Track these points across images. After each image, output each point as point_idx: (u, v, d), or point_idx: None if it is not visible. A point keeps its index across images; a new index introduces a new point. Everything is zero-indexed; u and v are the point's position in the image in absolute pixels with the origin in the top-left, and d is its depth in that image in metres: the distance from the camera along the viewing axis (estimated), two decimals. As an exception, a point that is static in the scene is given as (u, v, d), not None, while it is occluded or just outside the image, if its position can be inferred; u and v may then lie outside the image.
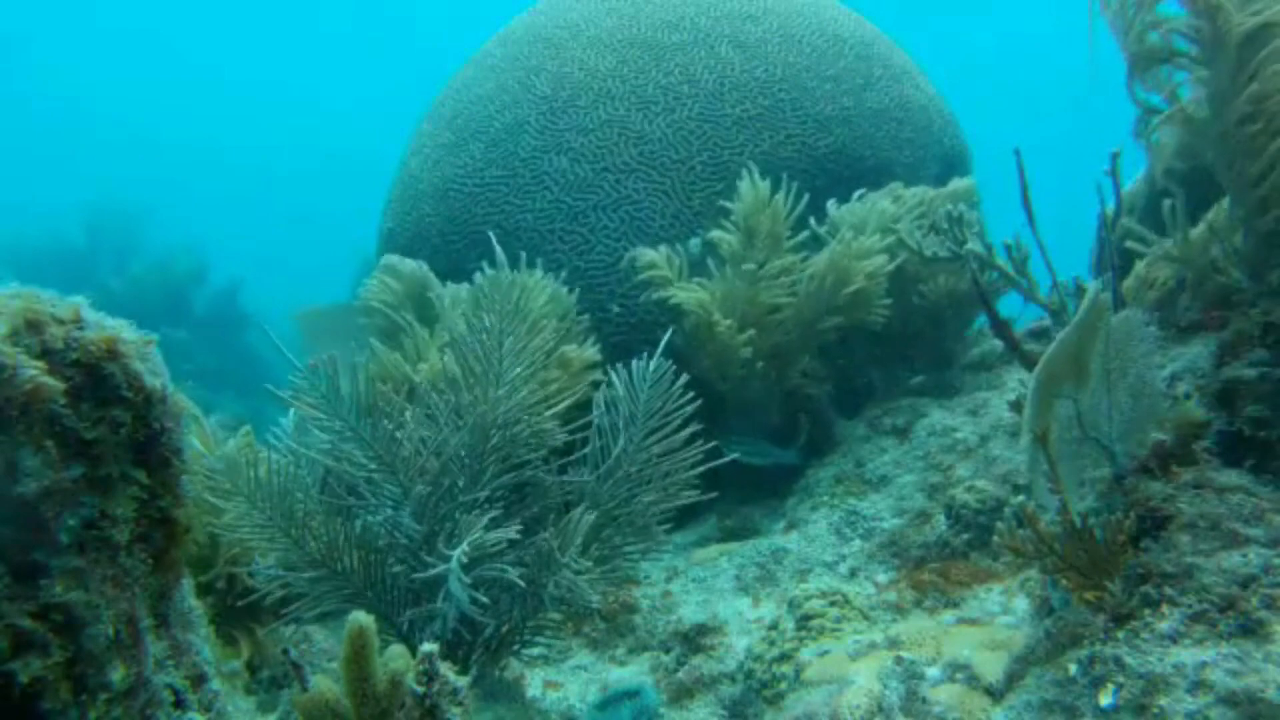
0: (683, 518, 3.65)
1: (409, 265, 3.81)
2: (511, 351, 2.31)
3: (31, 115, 28.73)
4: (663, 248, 3.74)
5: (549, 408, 2.43)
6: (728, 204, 3.74)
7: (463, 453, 2.28)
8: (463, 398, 2.31)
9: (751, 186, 3.63)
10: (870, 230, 3.68)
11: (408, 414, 2.31)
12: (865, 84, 4.45)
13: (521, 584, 2.12)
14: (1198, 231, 2.33)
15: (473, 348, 2.31)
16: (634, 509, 2.33)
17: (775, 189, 3.65)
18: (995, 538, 1.72)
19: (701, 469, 2.33)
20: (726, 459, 2.43)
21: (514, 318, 2.31)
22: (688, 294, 3.57)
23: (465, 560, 2.01)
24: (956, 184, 4.03)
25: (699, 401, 2.33)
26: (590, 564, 2.22)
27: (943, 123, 4.74)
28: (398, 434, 2.25)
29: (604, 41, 4.44)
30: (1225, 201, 2.26)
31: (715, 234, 3.70)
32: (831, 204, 3.91)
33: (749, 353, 3.53)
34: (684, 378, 2.32)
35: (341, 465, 2.26)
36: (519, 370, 2.32)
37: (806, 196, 3.70)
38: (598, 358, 3.43)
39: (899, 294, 3.82)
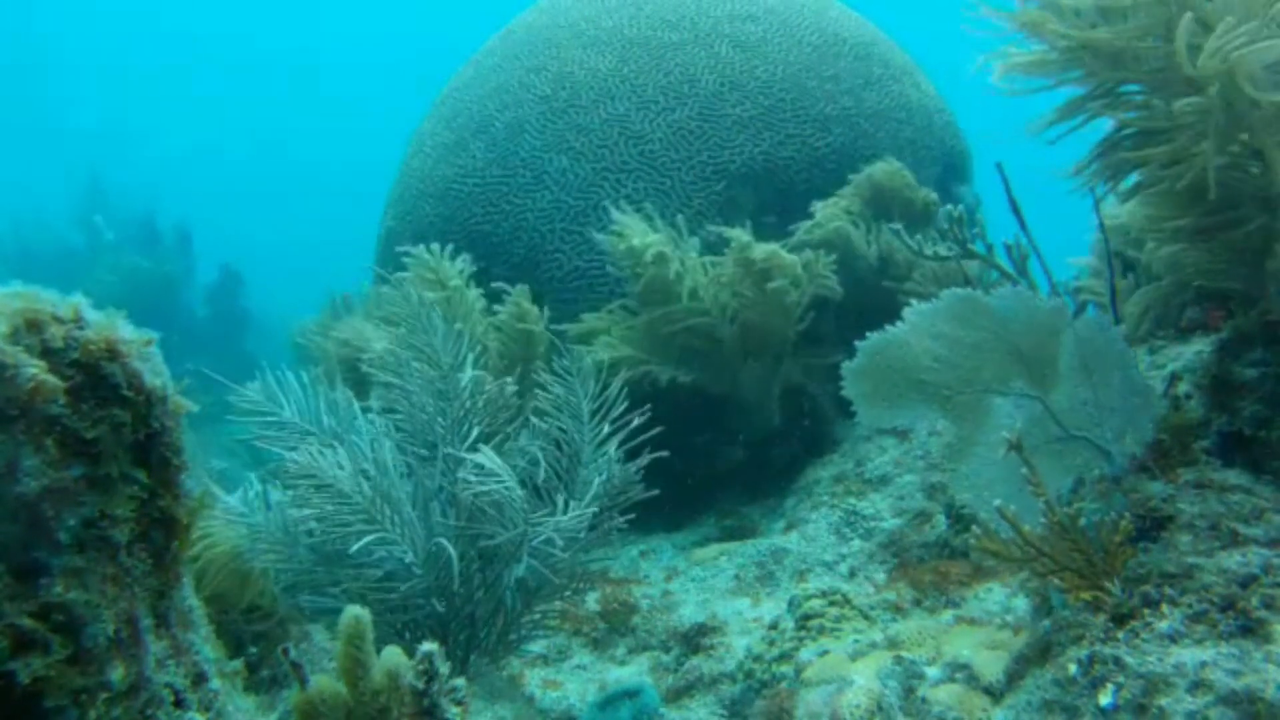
0: (683, 517, 3.66)
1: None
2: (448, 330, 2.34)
3: (29, 110, 28.72)
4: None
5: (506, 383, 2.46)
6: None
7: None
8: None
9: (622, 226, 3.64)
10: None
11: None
12: (865, 84, 4.45)
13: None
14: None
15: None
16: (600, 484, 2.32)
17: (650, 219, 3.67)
18: (971, 541, 1.71)
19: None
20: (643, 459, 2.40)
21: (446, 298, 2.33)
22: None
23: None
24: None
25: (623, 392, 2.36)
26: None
27: (943, 123, 4.74)
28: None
29: (604, 41, 4.44)
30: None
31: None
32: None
33: (667, 374, 3.54)
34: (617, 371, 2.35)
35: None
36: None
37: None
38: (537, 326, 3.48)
39: (893, 289, 3.82)
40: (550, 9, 4.86)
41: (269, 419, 2.26)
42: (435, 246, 3.62)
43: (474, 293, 3.60)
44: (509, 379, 2.45)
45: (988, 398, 1.88)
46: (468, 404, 2.33)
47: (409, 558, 2.11)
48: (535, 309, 3.59)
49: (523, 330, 3.48)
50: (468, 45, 5.29)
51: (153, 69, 33.02)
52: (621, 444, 2.33)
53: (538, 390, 2.41)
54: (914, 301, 1.95)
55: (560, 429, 2.35)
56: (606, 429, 2.32)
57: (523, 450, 2.36)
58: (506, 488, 2.10)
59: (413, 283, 3.46)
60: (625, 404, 2.34)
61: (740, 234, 3.55)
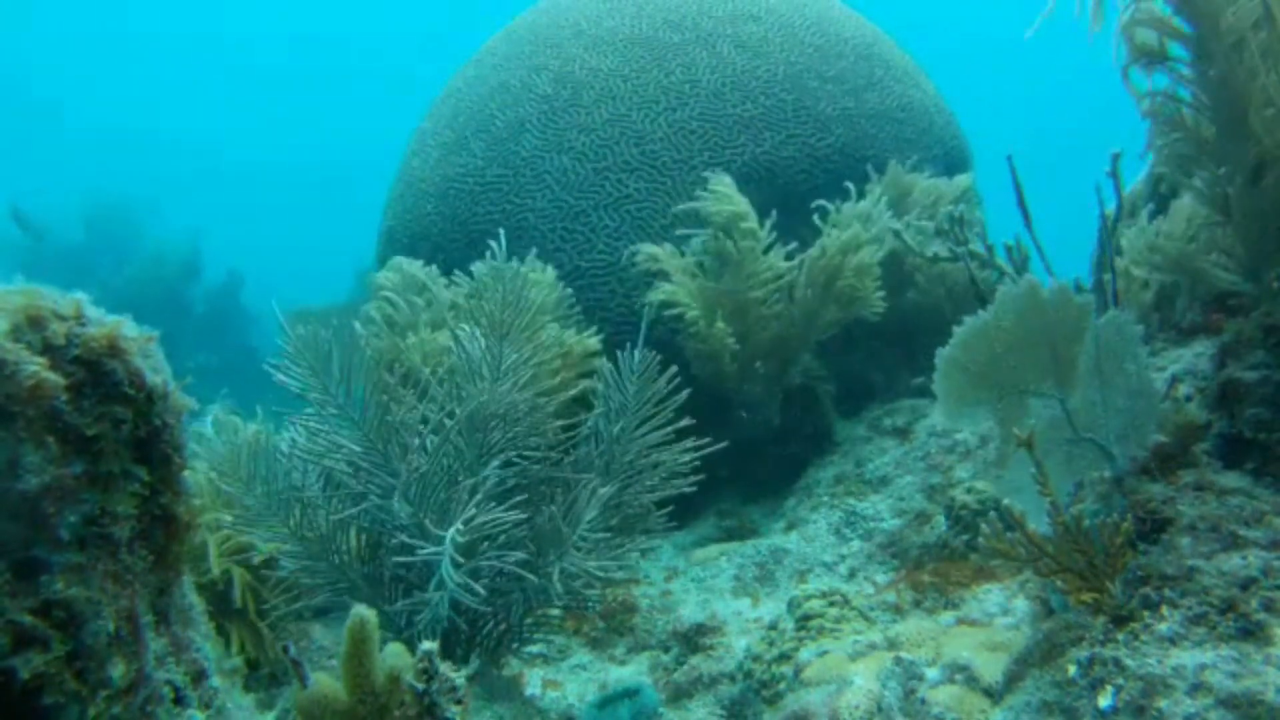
0: (683, 517, 3.65)
1: (414, 265, 3.83)
2: (513, 340, 2.33)
3: (28, 114, 28.71)
4: (667, 245, 3.74)
5: (549, 398, 2.45)
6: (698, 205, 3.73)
7: (460, 438, 2.28)
8: (463, 386, 2.32)
9: (718, 196, 3.63)
10: (858, 222, 3.71)
11: (399, 394, 2.33)
12: (866, 84, 4.45)
13: (520, 571, 2.12)
14: (1176, 228, 2.34)
15: (471, 336, 2.33)
16: (630, 497, 2.34)
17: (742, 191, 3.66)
18: (981, 540, 1.70)
19: (695, 456, 2.35)
20: (718, 446, 2.41)
21: (514, 307, 2.32)
22: (675, 287, 3.58)
23: (460, 539, 2.00)
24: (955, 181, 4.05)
25: (687, 391, 2.38)
26: (597, 540, 2.22)
27: (944, 123, 4.74)
28: (389, 413, 2.25)
29: (606, 41, 4.44)
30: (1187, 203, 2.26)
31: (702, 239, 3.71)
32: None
33: (734, 345, 3.53)
34: (673, 369, 2.36)
35: (329, 449, 2.25)
36: (516, 357, 2.33)
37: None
38: (598, 346, 3.43)
39: (897, 291, 3.82)
40: (552, 8, 4.86)
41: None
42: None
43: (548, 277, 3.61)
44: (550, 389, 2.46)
45: (1026, 399, 1.85)
46: (511, 413, 2.33)
47: (444, 567, 2.09)
48: (591, 338, 3.56)
49: (569, 350, 3.45)
50: (469, 44, 5.29)
51: (156, 70, 33.01)
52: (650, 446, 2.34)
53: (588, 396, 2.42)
54: (1007, 282, 1.85)
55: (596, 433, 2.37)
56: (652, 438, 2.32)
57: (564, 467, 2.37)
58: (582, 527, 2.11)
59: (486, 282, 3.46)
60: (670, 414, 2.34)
61: (850, 217, 3.61)
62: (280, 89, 34.50)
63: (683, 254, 3.71)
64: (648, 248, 3.72)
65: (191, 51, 34.06)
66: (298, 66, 34.81)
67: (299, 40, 34.94)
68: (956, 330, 1.83)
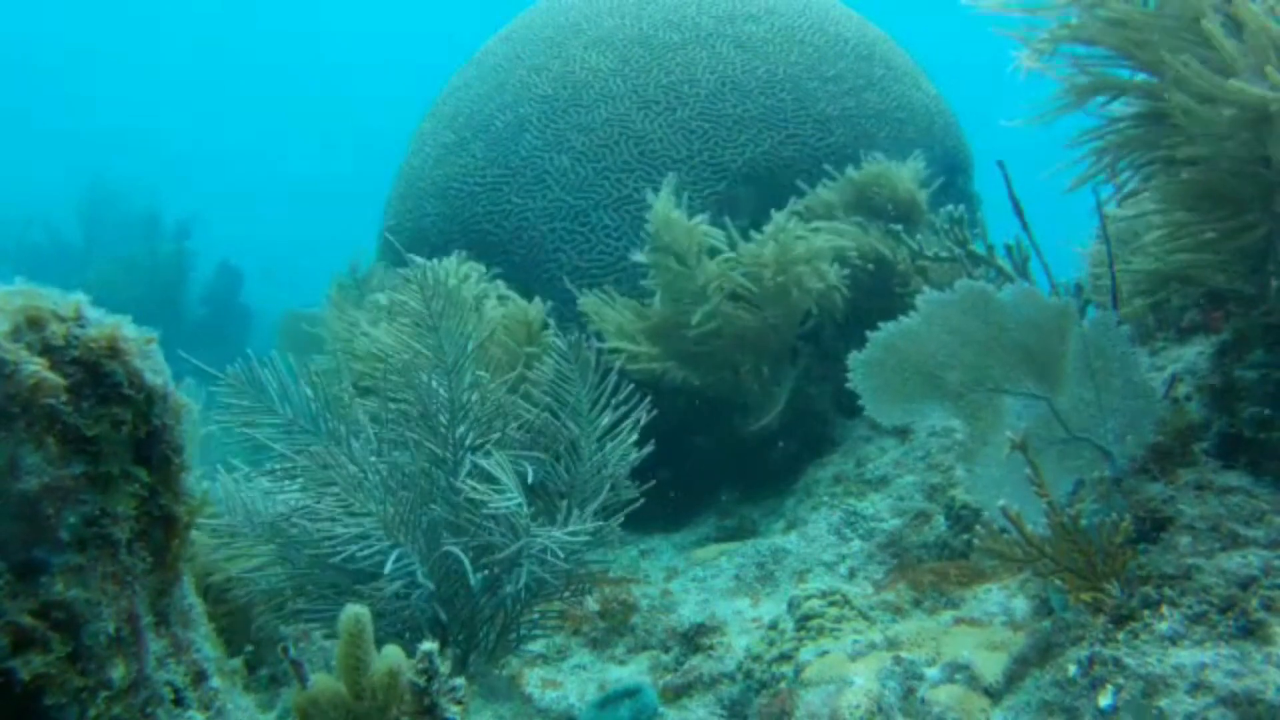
0: (683, 517, 3.66)
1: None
2: (451, 332, 2.30)
3: (28, 107, 28.70)
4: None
5: (506, 384, 2.46)
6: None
7: (421, 431, 2.29)
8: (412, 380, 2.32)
9: (658, 207, 3.59)
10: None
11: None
12: (867, 84, 4.45)
13: (457, 551, 2.10)
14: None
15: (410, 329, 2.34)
16: (601, 479, 2.33)
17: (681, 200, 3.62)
18: (975, 541, 1.70)
19: (639, 425, 2.34)
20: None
21: (446, 299, 2.30)
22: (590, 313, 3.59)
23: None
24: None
25: (619, 362, 2.40)
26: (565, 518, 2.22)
27: (944, 124, 4.74)
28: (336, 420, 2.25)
29: (606, 41, 4.44)
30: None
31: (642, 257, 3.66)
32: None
33: (658, 366, 3.53)
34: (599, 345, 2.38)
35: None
36: (469, 348, 2.32)
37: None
38: (544, 317, 3.46)
39: (891, 292, 3.81)
40: (551, 8, 4.86)
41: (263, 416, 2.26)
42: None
43: (472, 287, 3.62)
44: (508, 377, 2.46)
45: (998, 397, 1.87)
46: (467, 406, 2.32)
47: (413, 565, 2.10)
48: (536, 305, 3.59)
49: (522, 324, 3.47)
50: (469, 44, 5.29)
51: (156, 68, 33.00)
52: (623, 438, 2.33)
53: (532, 384, 2.42)
54: (926, 289, 1.92)
55: (554, 419, 2.36)
56: (606, 421, 2.32)
57: (519, 452, 2.36)
58: (510, 499, 2.10)
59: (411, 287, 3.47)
60: (631, 393, 2.33)
61: (782, 218, 3.55)
62: (282, 87, 34.48)
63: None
64: (589, 303, 3.72)
65: (192, 48, 34.05)
66: (299, 63, 34.81)
67: (299, 34, 34.94)
68: (875, 335, 1.93)
